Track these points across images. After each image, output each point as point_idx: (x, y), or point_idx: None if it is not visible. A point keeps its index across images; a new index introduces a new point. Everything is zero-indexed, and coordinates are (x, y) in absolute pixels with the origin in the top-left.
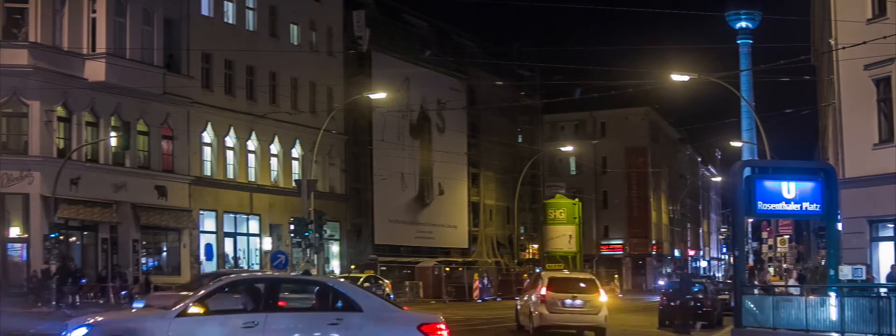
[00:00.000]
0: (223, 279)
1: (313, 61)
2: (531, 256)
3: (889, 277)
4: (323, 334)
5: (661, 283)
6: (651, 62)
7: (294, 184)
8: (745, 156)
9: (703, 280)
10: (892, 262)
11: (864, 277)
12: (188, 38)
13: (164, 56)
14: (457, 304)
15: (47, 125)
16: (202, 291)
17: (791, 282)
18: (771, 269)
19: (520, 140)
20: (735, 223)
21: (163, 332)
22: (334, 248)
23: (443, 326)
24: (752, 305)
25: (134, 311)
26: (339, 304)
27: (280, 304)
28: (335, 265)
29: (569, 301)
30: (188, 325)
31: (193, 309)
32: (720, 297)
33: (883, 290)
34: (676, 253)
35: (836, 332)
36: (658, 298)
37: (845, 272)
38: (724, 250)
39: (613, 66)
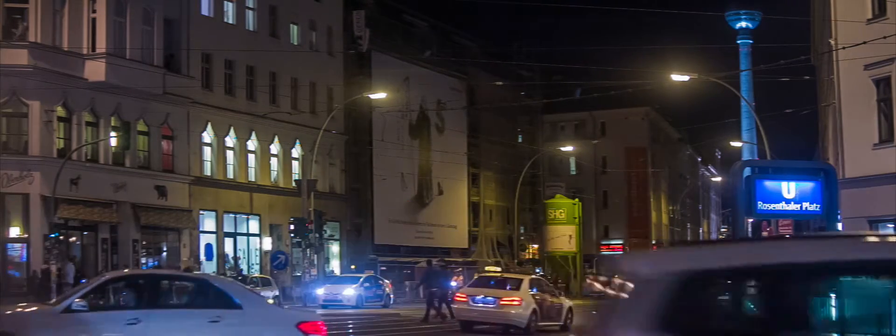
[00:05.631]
0: (105, 275)
1: (313, 61)
2: (531, 256)
3: None
4: (203, 331)
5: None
6: (651, 62)
7: (294, 184)
8: (745, 156)
9: None
10: None
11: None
12: (188, 38)
13: (164, 56)
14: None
15: (47, 125)
16: (87, 287)
17: None
18: None
19: (520, 140)
20: (735, 223)
21: (48, 328)
22: (334, 248)
23: (321, 325)
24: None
25: (19, 307)
26: (220, 301)
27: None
28: (335, 265)
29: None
30: (73, 322)
31: (78, 305)
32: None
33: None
34: None
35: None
36: None
37: None
38: None
39: (613, 66)
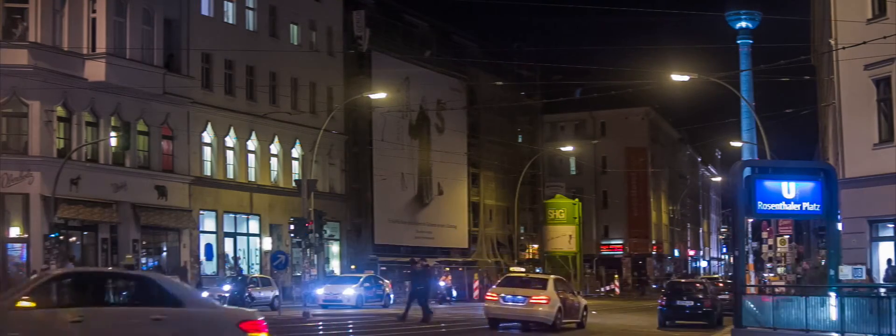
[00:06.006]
0: (50, 272)
1: (313, 61)
2: (531, 256)
3: (886, 277)
4: (146, 329)
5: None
6: (651, 62)
7: (294, 184)
8: (745, 156)
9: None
10: (889, 258)
11: (863, 277)
12: (188, 38)
13: (164, 56)
14: (466, 303)
15: (47, 125)
16: (32, 284)
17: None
18: (780, 269)
19: (520, 140)
20: (735, 223)
21: None
22: (334, 248)
23: (262, 323)
24: (752, 305)
25: None
26: (163, 299)
27: (108, 298)
28: (335, 265)
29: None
30: (19, 319)
31: (24, 302)
32: (720, 297)
33: (882, 290)
34: (676, 253)
35: (836, 332)
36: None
37: (845, 272)
38: (724, 250)
39: (613, 66)
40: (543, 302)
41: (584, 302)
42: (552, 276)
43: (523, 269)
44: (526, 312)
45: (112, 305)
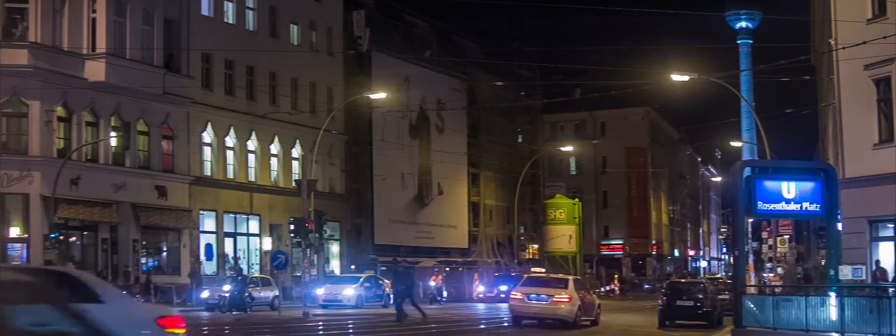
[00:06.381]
0: None
1: (313, 61)
2: (531, 256)
3: (873, 278)
4: (65, 325)
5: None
6: (651, 62)
7: (294, 184)
8: (745, 156)
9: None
10: (877, 259)
11: (864, 278)
12: (188, 38)
13: (164, 56)
14: (457, 303)
15: (47, 125)
16: None
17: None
18: (780, 270)
19: (520, 140)
20: (735, 223)
21: None
22: (334, 248)
23: (179, 319)
24: (752, 305)
25: None
26: (83, 296)
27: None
28: (335, 265)
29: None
30: None
31: None
32: (720, 297)
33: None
34: (676, 253)
35: (836, 332)
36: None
37: (845, 272)
38: (724, 250)
39: (613, 66)
40: (565, 300)
41: (597, 301)
42: (572, 277)
43: (544, 270)
44: (549, 310)
45: (28, 303)
